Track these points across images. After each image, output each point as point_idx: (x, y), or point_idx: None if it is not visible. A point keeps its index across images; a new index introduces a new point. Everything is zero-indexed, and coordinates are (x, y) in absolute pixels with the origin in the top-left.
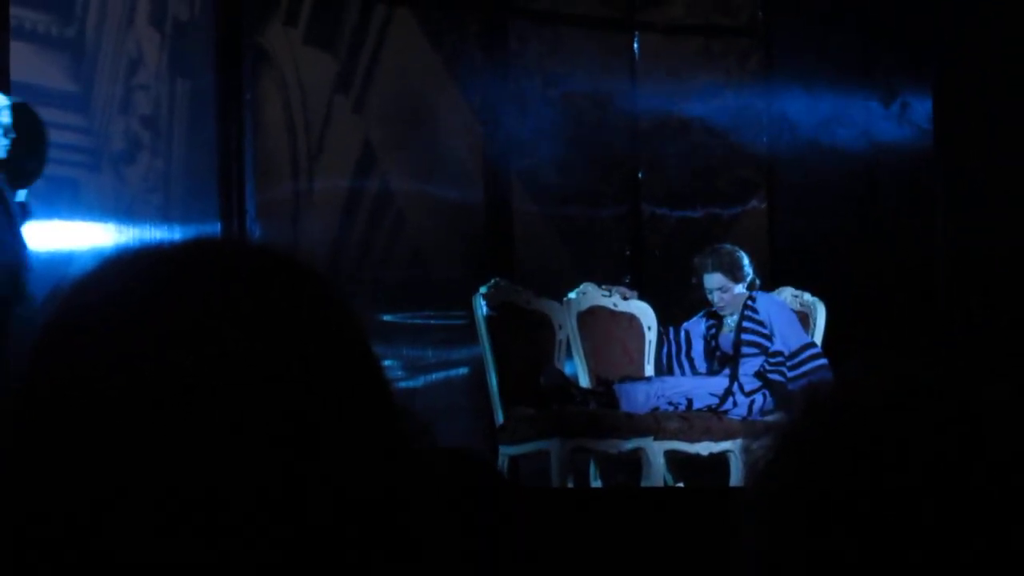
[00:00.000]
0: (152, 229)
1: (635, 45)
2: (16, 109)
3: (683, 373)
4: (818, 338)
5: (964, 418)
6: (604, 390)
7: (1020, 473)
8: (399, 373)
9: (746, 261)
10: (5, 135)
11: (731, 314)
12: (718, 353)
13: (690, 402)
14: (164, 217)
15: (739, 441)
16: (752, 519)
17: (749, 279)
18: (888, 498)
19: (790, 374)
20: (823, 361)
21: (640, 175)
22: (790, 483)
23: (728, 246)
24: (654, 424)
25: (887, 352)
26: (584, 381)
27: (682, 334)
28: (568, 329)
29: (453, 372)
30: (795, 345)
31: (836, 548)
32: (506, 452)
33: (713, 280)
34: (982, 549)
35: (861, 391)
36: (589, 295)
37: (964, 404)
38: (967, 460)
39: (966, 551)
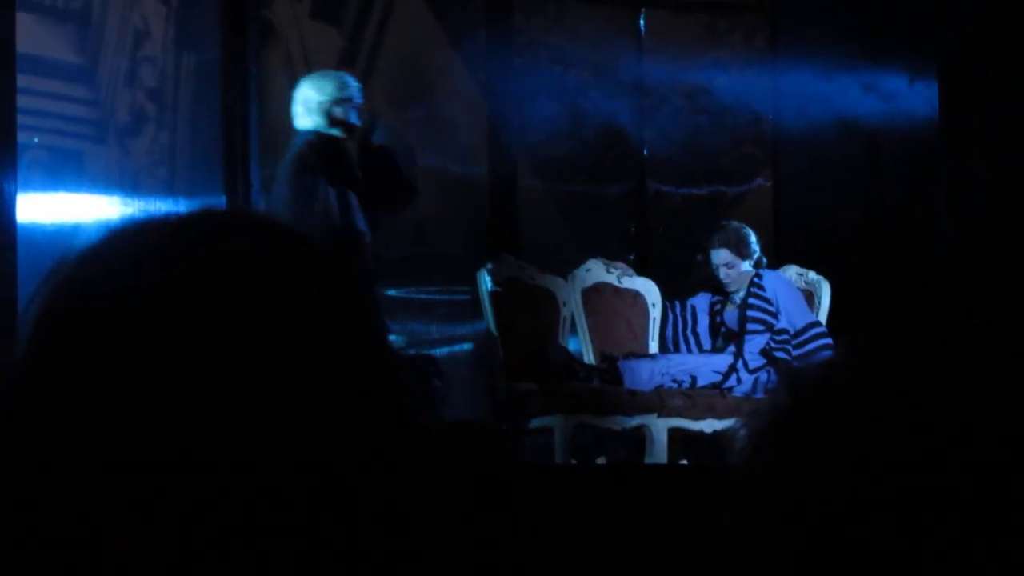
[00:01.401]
0: (157, 202)
1: (641, 21)
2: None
3: (688, 349)
4: (823, 316)
5: (953, 403)
6: (608, 367)
7: (1010, 461)
8: (404, 348)
9: (753, 238)
10: (359, 115)
11: (737, 291)
12: (723, 329)
13: (694, 380)
14: (169, 190)
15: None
16: (735, 500)
17: (756, 256)
18: (869, 481)
19: (795, 352)
20: (827, 340)
21: (645, 152)
22: (772, 465)
23: (735, 223)
24: (658, 401)
25: (881, 333)
26: (588, 358)
27: (688, 309)
28: (572, 305)
29: (457, 347)
30: (800, 324)
31: (815, 532)
32: (510, 428)
33: (719, 256)
34: (961, 534)
35: (847, 373)
36: (593, 272)
37: (954, 388)
38: (953, 446)
39: (944, 537)
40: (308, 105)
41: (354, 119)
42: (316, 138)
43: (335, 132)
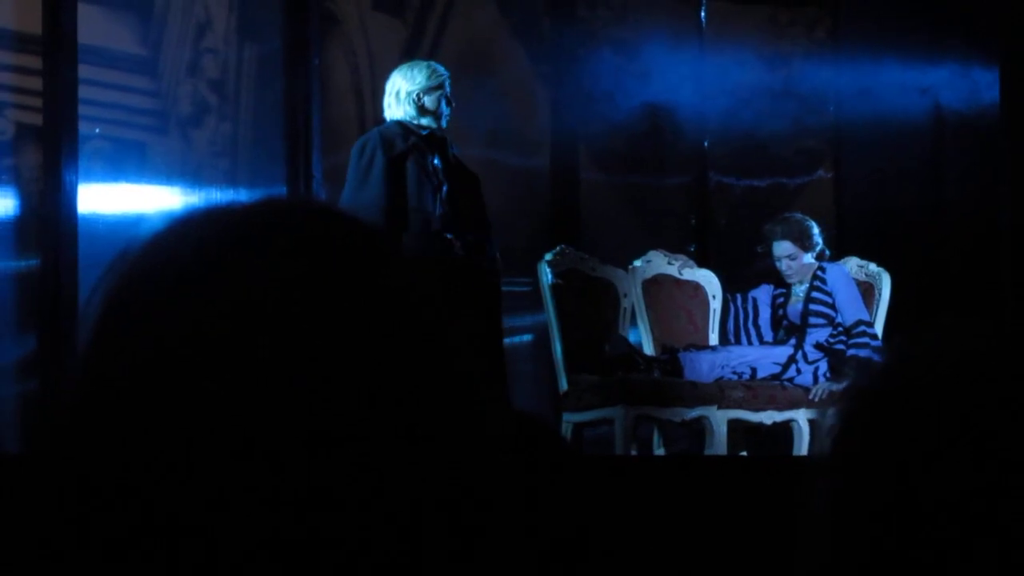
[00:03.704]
0: (219, 193)
1: (702, 14)
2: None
3: (749, 341)
4: (883, 308)
5: None
6: (668, 358)
7: None
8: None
9: (816, 230)
10: (447, 105)
11: (799, 283)
12: (785, 322)
13: (754, 371)
14: (231, 181)
15: (803, 411)
16: (826, 482)
17: (818, 249)
18: (961, 465)
19: (849, 346)
20: (875, 342)
21: (706, 144)
22: (860, 448)
23: (798, 215)
24: (718, 393)
25: (963, 322)
26: (648, 349)
27: (749, 301)
28: (633, 297)
29: (517, 339)
30: (850, 320)
31: (903, 514)
32: (570, 419)
33: (782, 248)
34: None
35: (934, 359)
36: (654, 263)
37: None
38: None
39: None
40: (398, 95)
41: (444, 108)
42: (398, 127)
43: (425, 122)
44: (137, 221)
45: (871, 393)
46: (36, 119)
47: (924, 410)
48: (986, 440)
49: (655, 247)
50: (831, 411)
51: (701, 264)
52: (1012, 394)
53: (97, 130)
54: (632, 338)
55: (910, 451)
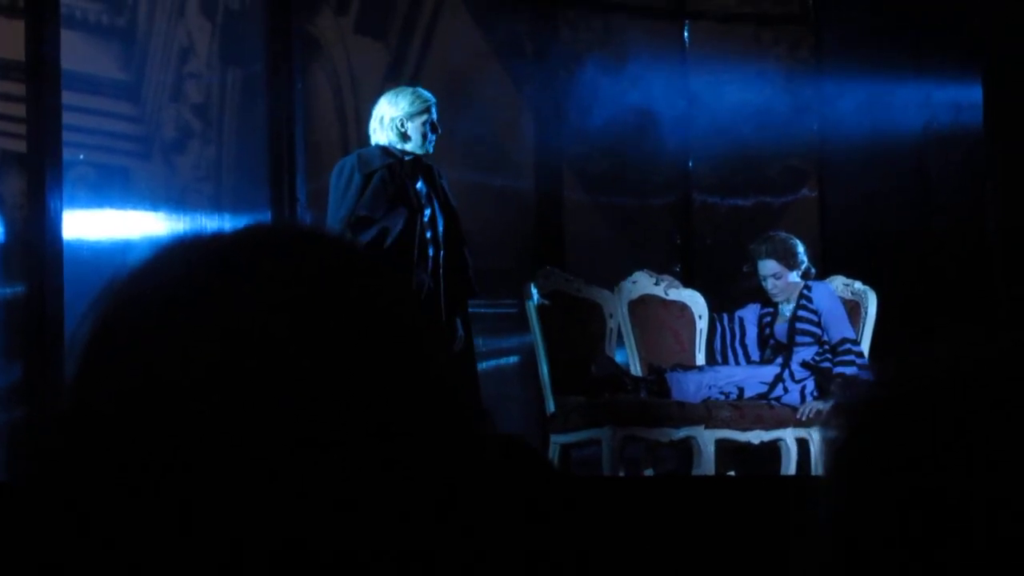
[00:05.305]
0: (203, 218)
1: (685, 33)
2: None
3: (736, 361)
4: (870, 326)
5: None
6: (655, 378)
7: None
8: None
9: (801, 249)
10: (433, 131)
11: (785, 302)
12: (771, 341)
13: (741, 391)
14: (215, 206)
15: (791, 430)
16: (831, 499)
17: (804, 267)
18: (972, 472)
19: (835, 364)
20: (862, 359)
21: (690, 164)
22: (866, 459)
23: (783, 233)
24: (705, 413)
25: (970, 333)
26: (635, 369)
27: (736, 321)
28: (619, 317)
29: (504, 361)
30: (835, 338)
31: (916, 522)
32: (557, 440)
33: (767, 267)
34: None
35: (943, 366)
36: (640, 283)
37: None
38: None
39: None
40: (381, 121)
41: (430, 133)
42: (378, 149)
43: (408, 147)
44: (122, 246)
45: (869, 406)
46: (20, 146)
47: (925, 420)
48: (988, 448)
49: (640, 267)
50: (828, 428)
51: (686, 284)
52: (1010, 400)
53: (81, 156)
54: (619, 359)
55: (911, 462)
